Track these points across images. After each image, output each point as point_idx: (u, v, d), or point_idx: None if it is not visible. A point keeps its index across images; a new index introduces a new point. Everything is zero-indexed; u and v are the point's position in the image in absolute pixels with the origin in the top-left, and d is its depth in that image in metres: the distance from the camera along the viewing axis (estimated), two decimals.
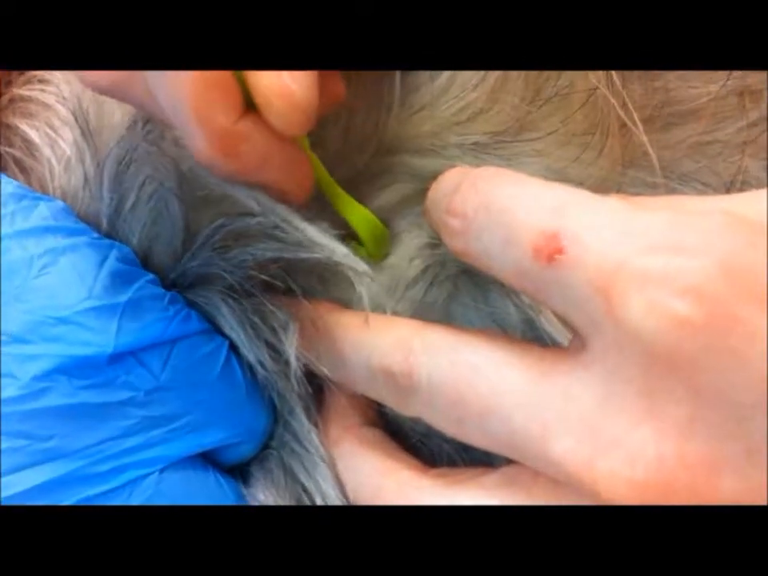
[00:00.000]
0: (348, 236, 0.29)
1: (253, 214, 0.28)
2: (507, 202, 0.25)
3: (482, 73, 0.29)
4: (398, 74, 0.30)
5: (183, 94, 0.24)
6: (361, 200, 0.30)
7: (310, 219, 0.28)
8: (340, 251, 0.28)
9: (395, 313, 0.29)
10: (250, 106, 0.25)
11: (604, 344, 0.22)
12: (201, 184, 0.29)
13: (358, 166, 0.31)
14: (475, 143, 0.30)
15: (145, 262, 0.30)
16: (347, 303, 0.30)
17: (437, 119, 0.30)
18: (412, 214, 0.31)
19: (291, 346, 0.28)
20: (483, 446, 0.25)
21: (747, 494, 0.21)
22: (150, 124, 0.30)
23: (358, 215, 0.29)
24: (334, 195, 0.29)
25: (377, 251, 0.30)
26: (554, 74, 0.29)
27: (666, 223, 0.22)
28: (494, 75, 0.29)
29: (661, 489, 0.21)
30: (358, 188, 0.30)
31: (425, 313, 0.30)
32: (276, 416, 0.30)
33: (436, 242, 0.30)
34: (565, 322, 0.26)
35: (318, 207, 0.29)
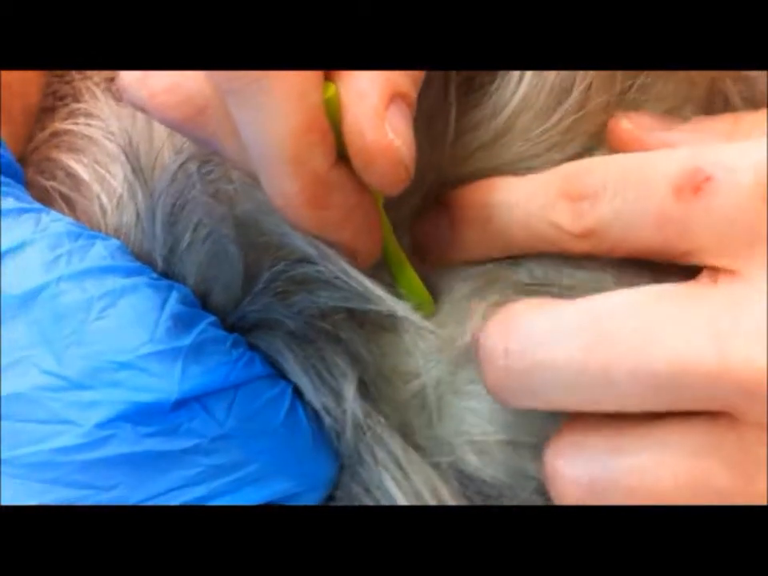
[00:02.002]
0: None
1: (313, 261, 0.27)
2: (636, 162, 0.25)
3: (553, 117, 0.28)
4: (452, 111, 0.29)
5: (281, 134, 0.23)
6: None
7: (368, 273, 0.27)
8: (401, 306, 0.27)
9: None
10: (340, 156, 0.24)
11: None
12: (258, 230, 0.28)
13: (410, 205, 0.30)
14: (540, 170, 0.29)
15: (203, 302, 0.29)
16: (400, 363, 0.29)
17: (497, 158, 0.29)
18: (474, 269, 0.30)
19: (350, 394, 0.27)
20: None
21: None
22: (207, 165, 0.29)
23: (408, 282, 0.29)
24: (395, 257, 0.28)
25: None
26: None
27: None
28: (566, 122, 0.28)
29: None
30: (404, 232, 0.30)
31: None
32: (342, 464, 0.29)
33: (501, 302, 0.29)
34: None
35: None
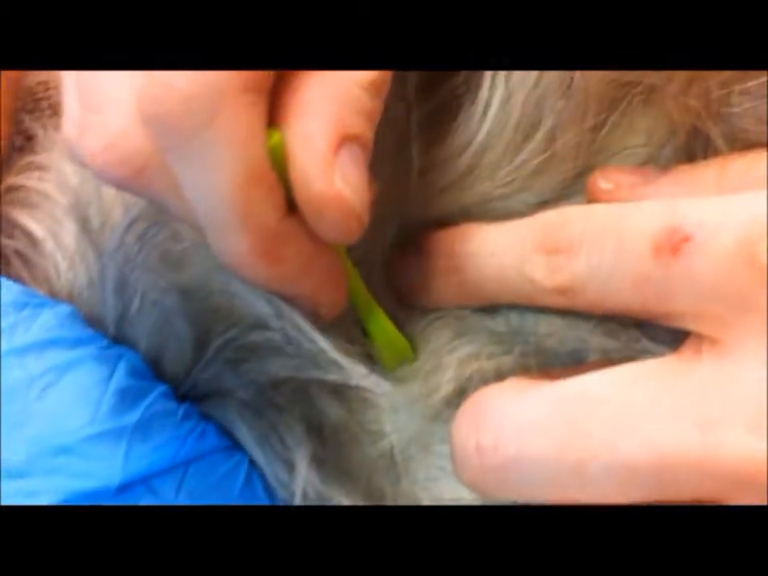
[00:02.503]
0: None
1: (264, 326, 0.25)
2: (614, 217, 0.24)
3: (519, 155, 0.27)
4: (414, 151, 0.27)
5: (225, 188, 0.21)
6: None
7: (327, 331, 0.25)
8: (357, 372, 0.25)
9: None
10: (291, 205, 0.23)
11: (758, 317, 0.21)
12: (208, 293, 0.26)
13: (373, 247, 0.28)
14: (510, 213, 0.27)
15: (156, 368, 0.28)
16: (368, 422, 0.27)
17: (463, 200, 0.27)
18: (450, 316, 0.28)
19: (302, 466, 0.26)
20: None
21: None
22: (155, 225, 0.27)
23: (381, 331, 0.27)
24: (365, 306, 0.27)
25: (392, 367, 0.27)
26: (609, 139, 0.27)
27: None
28: (533, 162, 0.26)
29: None
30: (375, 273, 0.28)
31: None
32: None
33: (475, 353, 0.27)
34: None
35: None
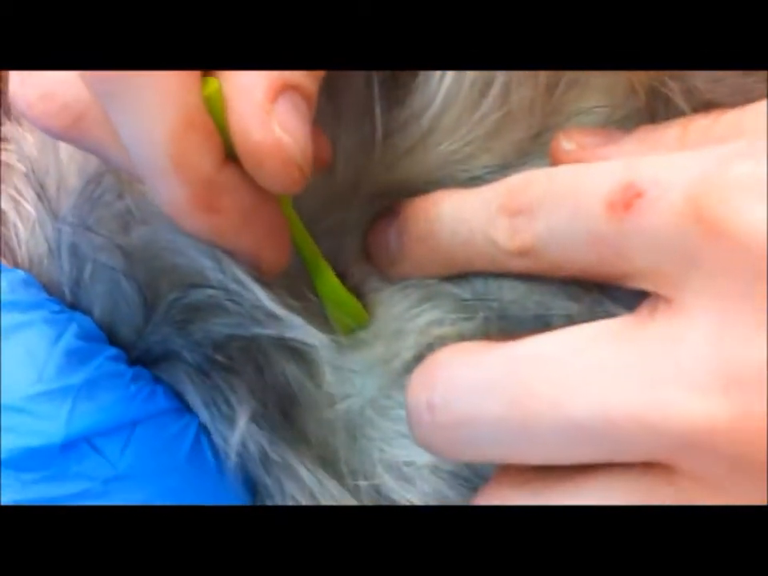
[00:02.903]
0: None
1: (206, 284, 0.25)
2: (572, 177, 0.23)
3: (476, 112, 0.26)
4: (377, 114, 0.27)
5: (160, 135, 0.21)
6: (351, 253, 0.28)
7: (272, 287, 0.25)
8: (295, 324, 0.25)
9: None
10: (230, 155, 0.23)
11: (706, 274, 0.21)
12: (154, 254, 0.26)
13: (344, 215, 0.28)
14: (473, 177, 0.27)
15: (110, 334, 0.28)
16: (326, 384, 0.27)
17: (428, 161, 0.27)
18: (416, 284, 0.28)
19: (242, 424, 0.26)
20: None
21: None
22: (104, 189, 0.27)
23: (330, 290, 0.27)
24: (313, 263, 0.27)
25: (345, 328, 0.27)
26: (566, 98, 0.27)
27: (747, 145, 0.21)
28: (490, 119, 0.26)
29: None
30: (347, 241, 0.28)
31: None
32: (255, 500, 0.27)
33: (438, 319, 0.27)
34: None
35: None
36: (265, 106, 0.22)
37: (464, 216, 0.26)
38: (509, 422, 0.22)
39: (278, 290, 0.25)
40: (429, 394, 0.24)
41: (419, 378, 0.25)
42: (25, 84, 0.24)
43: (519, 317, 0.27)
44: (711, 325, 0.21)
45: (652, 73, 0.26)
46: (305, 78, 0.23)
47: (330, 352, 0.26)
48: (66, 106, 0.23)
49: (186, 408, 0.27)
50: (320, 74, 0.23)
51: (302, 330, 0.25)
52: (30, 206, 0.30)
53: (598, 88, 0.27)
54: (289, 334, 0.25)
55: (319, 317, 0.27)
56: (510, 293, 0.27)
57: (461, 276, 0.27)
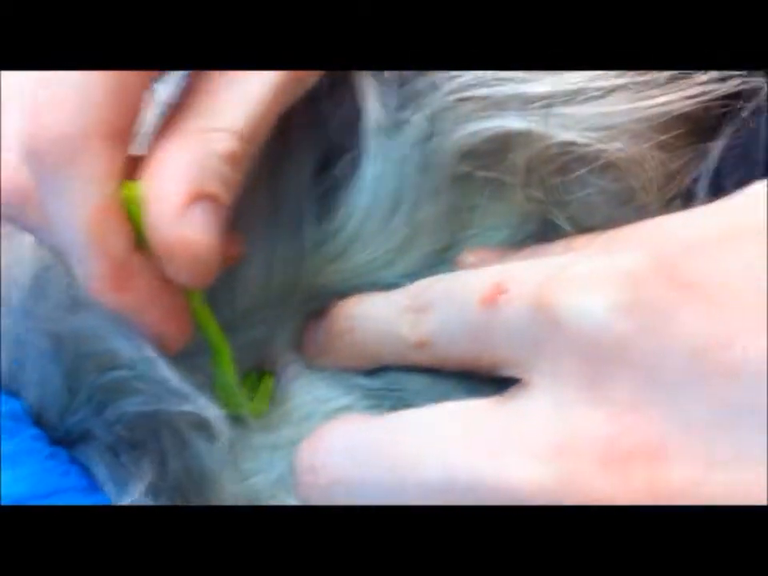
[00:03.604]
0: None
1: (117, 367, 0.29)
2: (460, 279, 0.28)
3: (389, 226, 0.30)
4: (308, 224, 0.31)
5: (81, 219, 0.25)
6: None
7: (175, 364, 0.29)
8: (199, 400, 0.28)
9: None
10: (140, 247, 0.26)
11: (547, 357, 0.24)
12: (80, 340, 0.30)
13: (280, 311, 0.32)
14: (390, 284, 0.31)
15: (37, 417, 0.31)
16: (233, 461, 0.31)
17: (351, 268, 0.31)
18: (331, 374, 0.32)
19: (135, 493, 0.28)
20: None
21: (694, 466, 0.22)
22: (47, 278, 0.31)
23: (222, 380, 0.30)
24: (215, 351, 0.30)
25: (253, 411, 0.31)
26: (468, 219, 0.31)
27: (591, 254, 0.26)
28: (402, 232, 0.30)
29: (619, 465, 0.22)
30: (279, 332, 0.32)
31: None
32: None
33: (347, 406, 0.31)
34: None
35: None
36: (179, 209, 0.26)
37: (376, 314, 0.30)
38: (376, 482, 0.26)
39: (186, 369, 0.29)
40: (311, 458, 0.27)
41: (306, 445, 0.28)
42: None
43: (421, 406, 0.30)
44: (549, 402, 0.24)
45: (539, 202, 0.30)
46: (219, 191, 0.26)
47: (234, 430, 0.29)
48: (6, 186, 0.27)
49: (98, 487, 0.30)
50: (233, 187, 0.27)
51: (204, 407, 0.28)
52: None
53: (496, 213, 0.31)
54: (191, 410, 0.28)
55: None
56: (416, 384, 0.30)
57: (374, 370, 0.31)
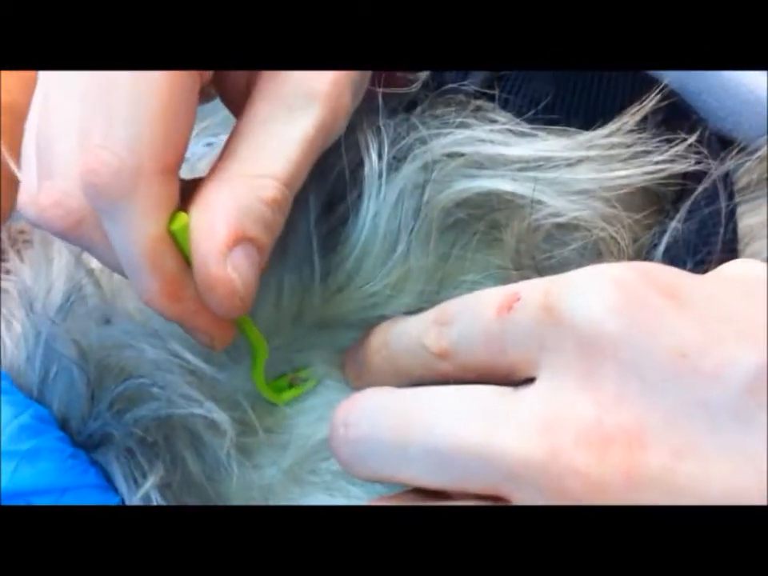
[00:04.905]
0: None
1: (137, 376, 0.31)
2: (483, 294, 0.30)
3: (388, 263, 0.33)
4: (315, 257, 0.34)
5: (140, 242, 0.28)
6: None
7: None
8: (206, 404, 0.31)
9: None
10: (188, 262, 0.29)
11: (550, 352, 0.27)
12: (105, 351, 0.33)
13: (294, 336, 0.34)
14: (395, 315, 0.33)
15: (63, 425, 0.33)
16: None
17: (355, 299, 0.33)
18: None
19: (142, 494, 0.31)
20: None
21: (667, 454, 0.24)
22: (80, 294, 0.34)
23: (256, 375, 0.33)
24: (254, 350, 0.33)
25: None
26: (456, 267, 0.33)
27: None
28: (396, 272, 0.33)
29: (600, 445, 0.25)
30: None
31: None
32: None
33: None
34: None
35: None
36: (222, 249, 0.29)
37: (407, 330, 0.32)
38: (393, 444, 0.28)
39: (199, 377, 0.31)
40: (346, 415, 0.30)
41: (344, 404, 0.31)
42: (39, 194, 0.30)
43: None
44: (545, 389, 0.27)
45: (525, 266, 0.33)
46: (261, 234, 0.29)
47: (249, 427, 0.32)
48: (70, 211, 0.30)
49: (113, 489, 0.31)
50: (275, 229, 0.30)
51: (212, 410, 0.31)
52: (17, 323, 0.35)
53: (483, 267, 0.34)
54: (201, 413, 0.31)
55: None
56: None
57: None
